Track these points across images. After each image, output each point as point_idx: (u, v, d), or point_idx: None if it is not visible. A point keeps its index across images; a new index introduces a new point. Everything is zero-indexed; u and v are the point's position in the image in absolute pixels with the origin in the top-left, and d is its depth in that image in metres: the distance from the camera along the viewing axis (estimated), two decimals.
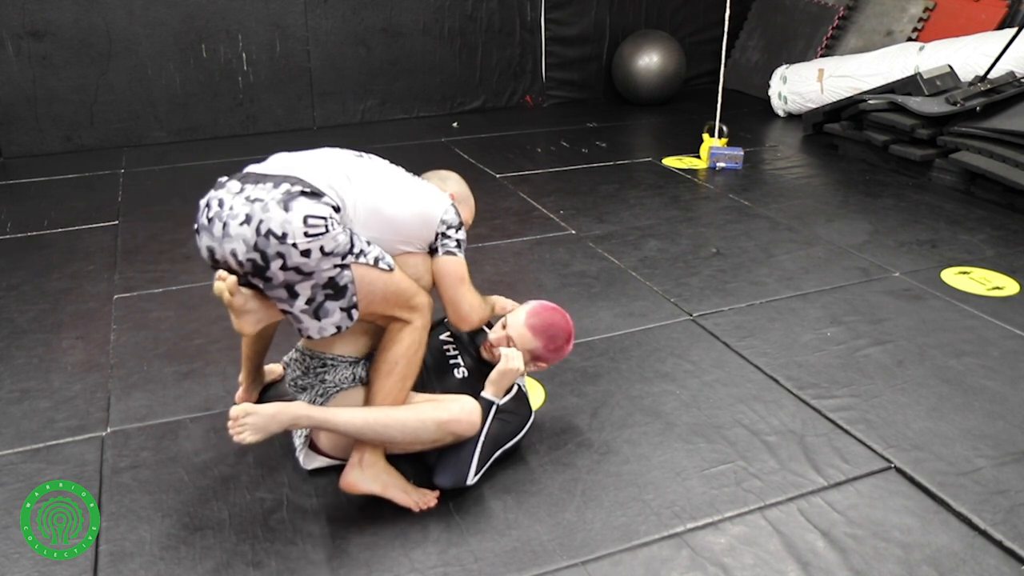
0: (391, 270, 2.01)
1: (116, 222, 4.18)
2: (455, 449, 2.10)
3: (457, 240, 2.18)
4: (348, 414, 2.03)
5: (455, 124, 6.11)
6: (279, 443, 2.31)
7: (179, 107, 5.65)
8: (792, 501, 2.14)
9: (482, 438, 2.12)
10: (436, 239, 2.17)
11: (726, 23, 4.97)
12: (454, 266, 2.18)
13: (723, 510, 2.11)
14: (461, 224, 2.21)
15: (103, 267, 3.64)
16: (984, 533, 2.03)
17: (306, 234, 1.84)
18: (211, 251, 1.92)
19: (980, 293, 3.30)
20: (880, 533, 2.03)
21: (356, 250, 1.94)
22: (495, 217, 4.14)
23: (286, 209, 1.84)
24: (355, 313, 1.98)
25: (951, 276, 3.46)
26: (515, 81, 6.58)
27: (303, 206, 1.85)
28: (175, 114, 5.66)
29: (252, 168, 2.04)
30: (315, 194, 1.89)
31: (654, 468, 2.27)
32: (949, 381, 2.68)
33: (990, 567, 1.92)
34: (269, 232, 1.83)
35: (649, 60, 6.43)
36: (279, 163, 2.04)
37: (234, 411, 1.91)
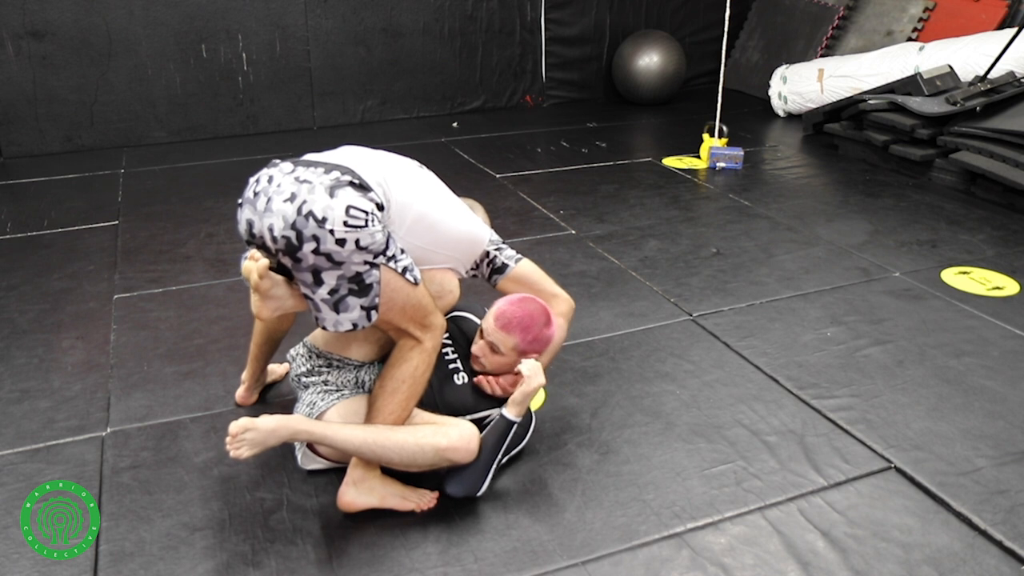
0: (416, 283, 2.01)
1: (116, 222, 4.18)
2: (471, 462, 2.09)
3: (513, 249, 2.37)
4: (347, 432, 2.02)
5: (455, 124, 6.11)
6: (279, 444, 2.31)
7: (179, 107, 5.65)
8: (792, 501, 2.14)
9: (499, 455, 2.12)
10: (485, 258, 2.33)
11: (726, 23, 4.97)
12: (533, 266, 2.39)
13: (723, 510, 2.11)
14: (503, 240, 2.40)
15: (103, 267, 3.64)
16: (984, 533, 2.03)
17: (345, 224, 1.84)
18: (250, 224, 1.93)
19: (980, 293, 3.30)
20: (880, 533, 2.03)
21: (389, 253, 1.95)
22: (495, 217, 4.11)
23: (331, 195, 1.85)
24: (374, 315, 1.97)
25: (951, 276, 3.46)
26: (515, 81, 6.58)
27: (348, 196, 1.86)
28: (175, 114, 5.66)
29: (310, 155, 2.05)
30: (363, 187, 1.90)
31: (654, 468, 2.27)
32: (949, 381, 2.68)
33: (990, 567, 1.92)
34: (310, 214, 1.83)
35: (649, 60, 6.43)
36: (338, 153, 2.06)
37: (233, 427, 1.90)
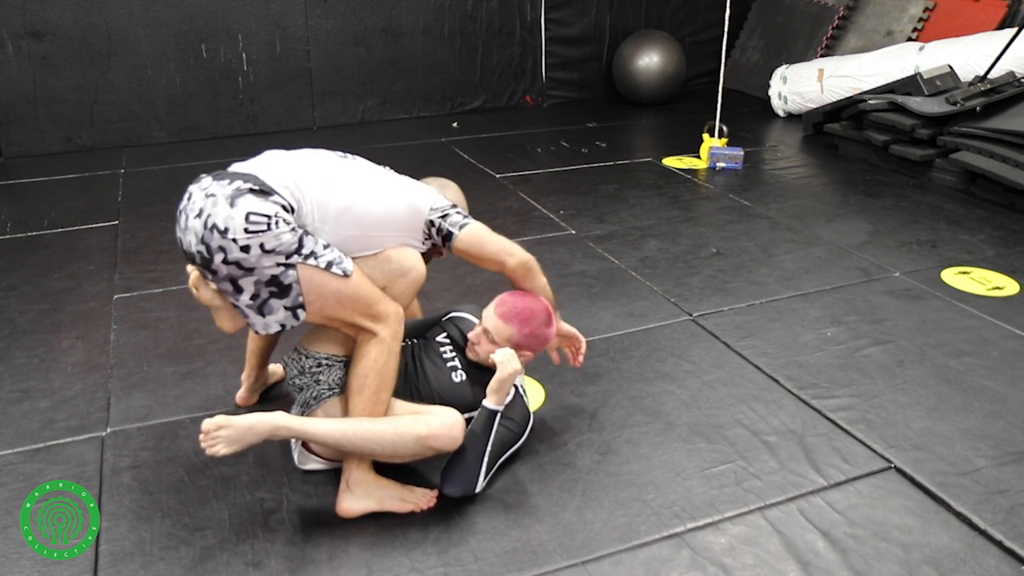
0: (346, 276, 2.00)
1: (116, 222, 4.18)
2: (461, 458, 2.09)
3: (461, 214, 2.20)
4: (327, 426, 2.02)
5: (455, 124, 6.11)
6: (279, 443, 2.31)
7: (179, 107, 5.65)
8: (792, 501, 2.14)
9: (489, 448, 2.12)
10: (431, 228, 2.18)
11: (726, 23, 4.97)
12: (476, 231, 2.19)
13: (723, 510, 2.11)
14: (455, 205, 2.23)
15: (103, 267, 3.64)
16: (984, 533, 2.03)
17: (247, 230, 1.87)
18: (180, 242, 2.00)
19: (980, 293, 3.30)
20: (880, 533, 2.03)
21: (305, 251, 1.95)
22: (495, 217, 4.14)
23: (232, 205, 1.89)
24: (301, 313, 1.99)
25: (951, 276, 3.46)
26: (515, 81, 6.58)
27: (248, 203, 1.89)
28: (175, 114, 5.66)
29: (233, 166, 2.07)
30: (264, 192, 1.92)
31: (654, 468, 2.27)
32: (949, 381, 2.68)
33: (990, 567, 1.92)
34: (214, 226, 1.88)
35: (649, 60, 6.43)
36: (253, 161, 2.08)
37: (206, 424, 1.90)
